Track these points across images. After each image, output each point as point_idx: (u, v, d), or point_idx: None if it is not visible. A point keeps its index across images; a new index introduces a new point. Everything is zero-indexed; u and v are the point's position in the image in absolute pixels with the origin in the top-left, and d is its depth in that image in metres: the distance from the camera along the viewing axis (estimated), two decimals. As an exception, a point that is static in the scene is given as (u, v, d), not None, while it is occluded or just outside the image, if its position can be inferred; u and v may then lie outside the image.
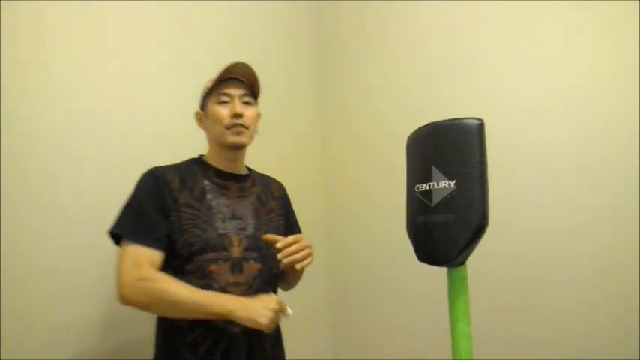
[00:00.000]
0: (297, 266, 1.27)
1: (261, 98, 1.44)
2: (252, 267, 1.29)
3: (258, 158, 1.53)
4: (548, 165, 1.66)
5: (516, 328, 1.69)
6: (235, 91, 1.35)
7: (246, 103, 1.37)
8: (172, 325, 1.23)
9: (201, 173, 1.36)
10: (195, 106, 1.44)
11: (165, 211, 1.25)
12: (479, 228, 1.05)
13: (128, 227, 1.23)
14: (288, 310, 1.22)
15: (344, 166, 2.26)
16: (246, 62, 1.35)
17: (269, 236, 1.30)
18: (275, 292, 1.40)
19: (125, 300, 1.18)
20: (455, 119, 1.11)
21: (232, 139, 1.33)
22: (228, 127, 1.33)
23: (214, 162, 1.38)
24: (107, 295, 1.48)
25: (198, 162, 1.40)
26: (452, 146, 1.09)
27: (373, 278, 2.11)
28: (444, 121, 1.12)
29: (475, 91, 1.84)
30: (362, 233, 2.16)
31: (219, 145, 1.36)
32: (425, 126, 1.17)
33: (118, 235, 1.23)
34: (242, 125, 1.34)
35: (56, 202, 1.45)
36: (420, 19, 2.02)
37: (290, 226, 1.51)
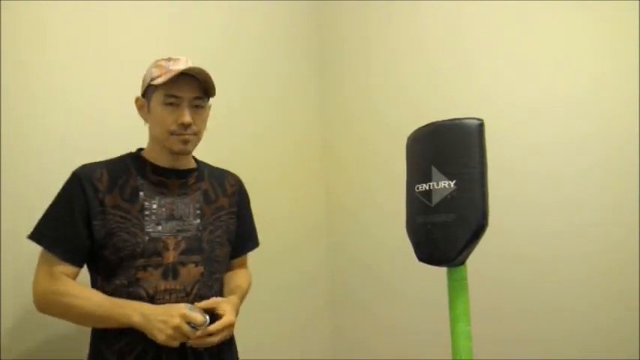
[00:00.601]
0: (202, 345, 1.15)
1: (262, 98, 1.42)
2: (192, 271, 1.20)
3: (258, 158, 1.52)
4: (548, 165, 1.66)
5: (516, 328, 1.69)
6: (185, 94, 1.20)
7: (196, 106, 1.23)
8: (101, 332, 1.17)
9: (136, 170, 1.24)
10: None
11: (87, 218, 1.16)
12: (479, 228, 1.05)
13: (46, 235, 1.17)
14: (201, 319, 1.10)
15: (344, 166, 2.26)
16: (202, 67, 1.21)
17: (202, 305, 1.16)
18: (221, 296, 1.28)
19: (39, 309, 1.17)
20: (455, 119, 1.11)
21: (178, 147, 1.22)
22: (174, 134, 1.21)
23: (152, 157, 1.27)
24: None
25: (135, 157, 1.28)
26: (452, 146, 1.09)
27: (373, 278, 2.11)
28: (444, 121, 1.12)
29: (475, 91, 1.84)
30: (362, 233, 2.16)
31: (161, 146, 1.25)
32: (425, 126, 1.17)
33: (35, 240, 1.17)
34: (190, 134, 1.22)
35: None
36: (420, 19, 2.02)
37: (242, 225, 1.39)
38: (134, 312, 1.10)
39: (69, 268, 1.16)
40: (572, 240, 1.61)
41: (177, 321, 1.07)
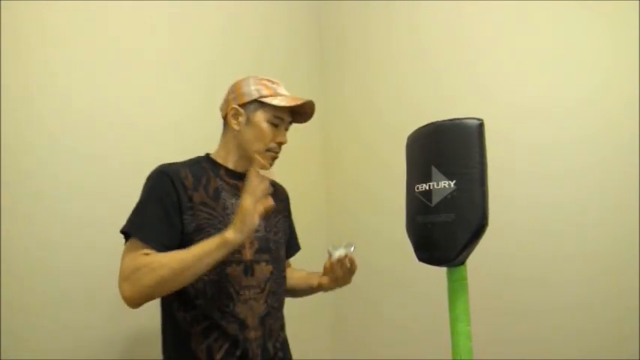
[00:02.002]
0: (334, 285, 1.34)
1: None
2: (264, 269, 1.27)
3: (258, 158, 1.54)
4: (548, 165, 1.66)
5: (516, 328, 1.70)
6: (287, 118, 1.34)
7: (287, 129, 1.37)
8: (187, 329, 1.20)
9: (213, 171, 1.31)
10: (198, 104, 1.43)
11: (180, 211, 1.20)
12: (479, 228, 1.05)
13: (140, 227, 1.18)
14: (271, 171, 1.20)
15: (344, 166, 2.27)
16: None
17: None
18: (286, 293, 1.39)
19: (131, 298, 1.12)
20: (455, 119, 1.11)
21: (267, 162, 1.32)
22: (268, 151, 1.31)
23: (224, 161, 1.34)
24: (109, 295, 1.47)
25: (207, 160, 1.35)
26: (452, 146, 1.09)
27: (373, 278, 2.11)
28: (444, 121, 1.12)
29: (475, 91, 1.84)
30: (362, 233, 2.16)
31: (245, 155, 1.32)
32: (425, 126, 1.17)
33: (127, 233, 1.19)
34: (277, 153, 1.33)
35: (57, 202, 1.45)
36: (420, 19, 2.02)
37: (292, 230, 1.51)
38: (223, 233, 1.12)
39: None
40: (572, 240, 1.61)
41: (249, 197, 1.13)
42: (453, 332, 1.09)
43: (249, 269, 1.24)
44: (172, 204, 1.20)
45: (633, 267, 1.49)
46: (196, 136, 1.45)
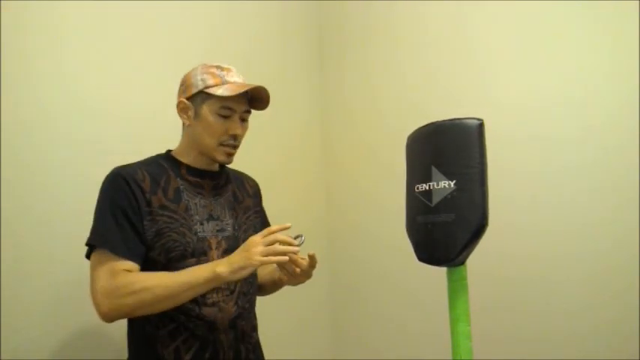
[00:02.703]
0: (295, 283, 1.28)
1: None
2: None
3: (258, 159, 1.52)
4: (549, 165, 1.66)
5: (516, 328, 1.69)
6: (239, 107, 1.25)
7: (244, 119, 1.28)
8: (154, 331, 1.16)
9: (173, 170, 1.24)
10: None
11: (139, 216, 1.15)
12: (479, 228, 1.05)
13: (106, 237, 1.13)
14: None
15: (344, 166, 2.26)
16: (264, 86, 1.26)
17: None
18: (258, 291, 1.37)
19: (106, 314, 1.09)
20: (455, 119, 1.11)
21: (222, 158, 1.25)
22: (222, 145, 1.24)
23: (186, 159, 1.27)
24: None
25: (167, 158, 1.28)
26: (452, 146, 1.09)
27: (373, 278, 2.11)
28: (444, 121, 1.12)
29: (475, 90, 1.83)
30: (362, 233, 2.16)
31: (202, 152, 1.26)
32: (425, 126, 1.17)
33: (92, 245, 1.15)
34: (235, 146, 1.26)
35: (58, 199, 1.45)
36: (421, 18, 2.02)
37: (264, 224, 1.43)
38: (214, 265, 1.08)
39: (132, 265, 1.12)
40: (572, 240, 1.61)
41: (261, 240, 1.08)
42: (453, 332, 1.09)
43: None
44: (132, 208, 1.14)
45: (633, 267, 1.49)
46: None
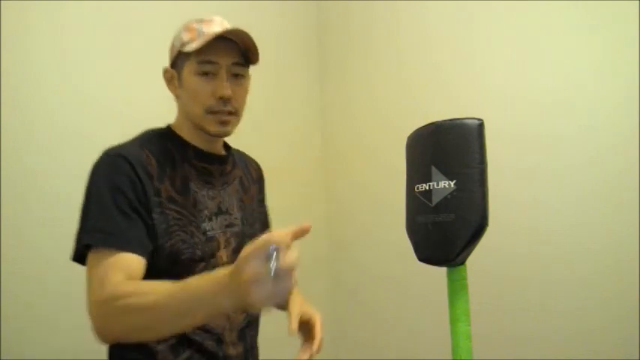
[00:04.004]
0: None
1: (262, 98, 1.42)
2: None
3: (257, 159, 1.52)
4: (549, 165, 1.66)
5: (516, 328, 1.70)
6: (223, 60, 1.01)
7: (236, 75, 1.04)
8: (148, 350, 0.96)
9: (179, 154, 1.03)
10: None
11: (147, 207, 0.93)
12: (479, 228, 1.05)
13: (99, 231, 0.90)
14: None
15: (344, 165, 2.27)
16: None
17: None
18: None
19: (100, 330, 0.86)
20: (455, 119, 1.11)
21: (215, 129, 1.03)
22: (211, 112, 1.01)
23: (190, 137, 1.06)
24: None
25: (170, 137, 1.06)
26: (452, 146, 1.09)
27: (373, 278, 2.11)
28: (444, 120, 1.12)
29: (476, 90, 1.84)
30: (362, 233, 2.16)
31: (195, 126, 1.05)
32: (425, 126, 1.17)
33: (91, 245, 0.91)
34: (229, 112, 1.02)
35: (58, 199, 1.45)
36: (423, 18, 2.02)
37: (266, 218, 1.27)
38: (219, 298, 0.74)
39: (135, 260, 0.89)
40: (572, 239, 1.61)
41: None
42: (453, 332, 1.09)
43: None
44: (138, 198, 0.93)
45: (633, 267, 1.49)
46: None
